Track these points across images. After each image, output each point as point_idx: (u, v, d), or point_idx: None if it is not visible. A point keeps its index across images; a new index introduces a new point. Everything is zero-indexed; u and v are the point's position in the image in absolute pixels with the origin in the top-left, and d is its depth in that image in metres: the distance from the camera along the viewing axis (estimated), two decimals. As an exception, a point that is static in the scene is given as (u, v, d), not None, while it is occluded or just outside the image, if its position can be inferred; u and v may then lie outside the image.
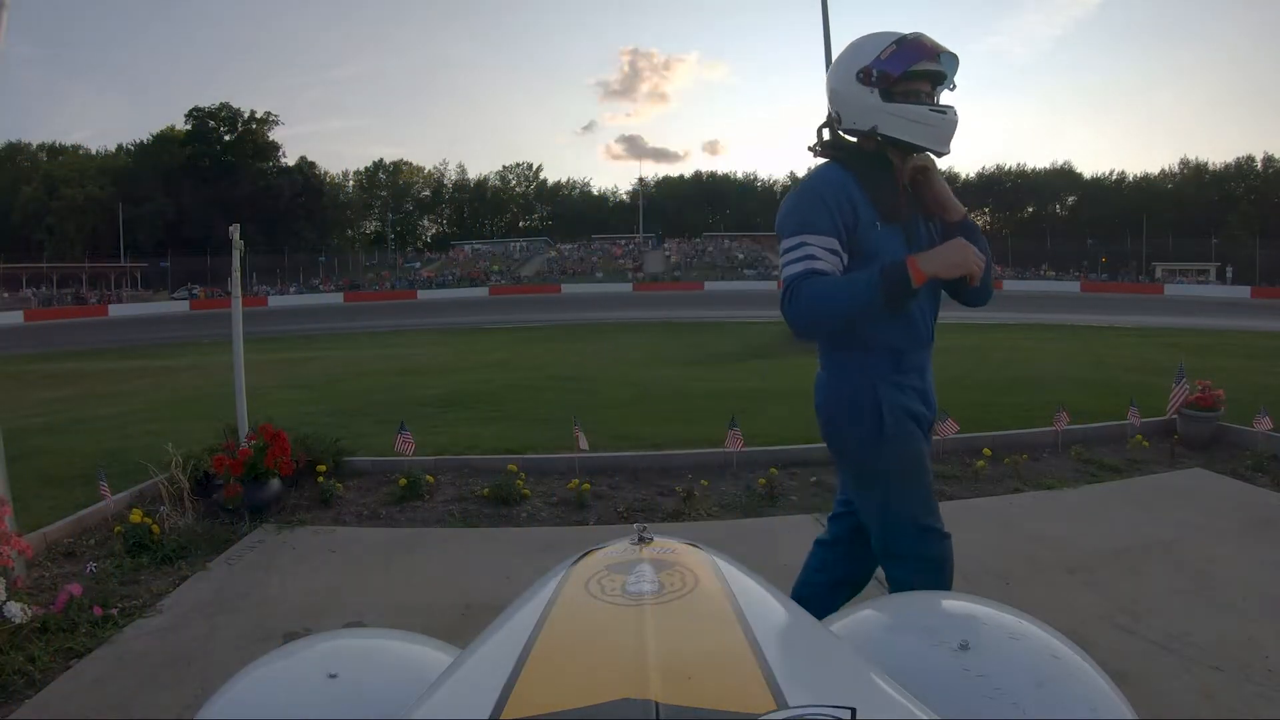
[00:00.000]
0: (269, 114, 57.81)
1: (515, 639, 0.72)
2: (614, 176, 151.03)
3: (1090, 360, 9.94)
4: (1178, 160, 58.35)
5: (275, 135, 58.59)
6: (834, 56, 1.79)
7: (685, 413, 6.37)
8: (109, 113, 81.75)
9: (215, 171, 53.50)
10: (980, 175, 60.58)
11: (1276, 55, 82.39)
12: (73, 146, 56.61)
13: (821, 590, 1.96)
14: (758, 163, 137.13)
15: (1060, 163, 61.04)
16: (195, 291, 44.38)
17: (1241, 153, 65.75)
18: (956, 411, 4.49)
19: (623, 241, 60.49)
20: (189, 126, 55.53)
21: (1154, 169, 59.82)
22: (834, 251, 1.64)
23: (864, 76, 1.68)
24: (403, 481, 4.08)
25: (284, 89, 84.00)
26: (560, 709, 0.56)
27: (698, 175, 71.40)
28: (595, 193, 71.69)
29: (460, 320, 23.36)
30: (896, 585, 1.78)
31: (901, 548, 1.77)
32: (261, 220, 48.42)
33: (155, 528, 3.34)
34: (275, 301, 40.78)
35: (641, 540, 0.96)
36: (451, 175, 69.28)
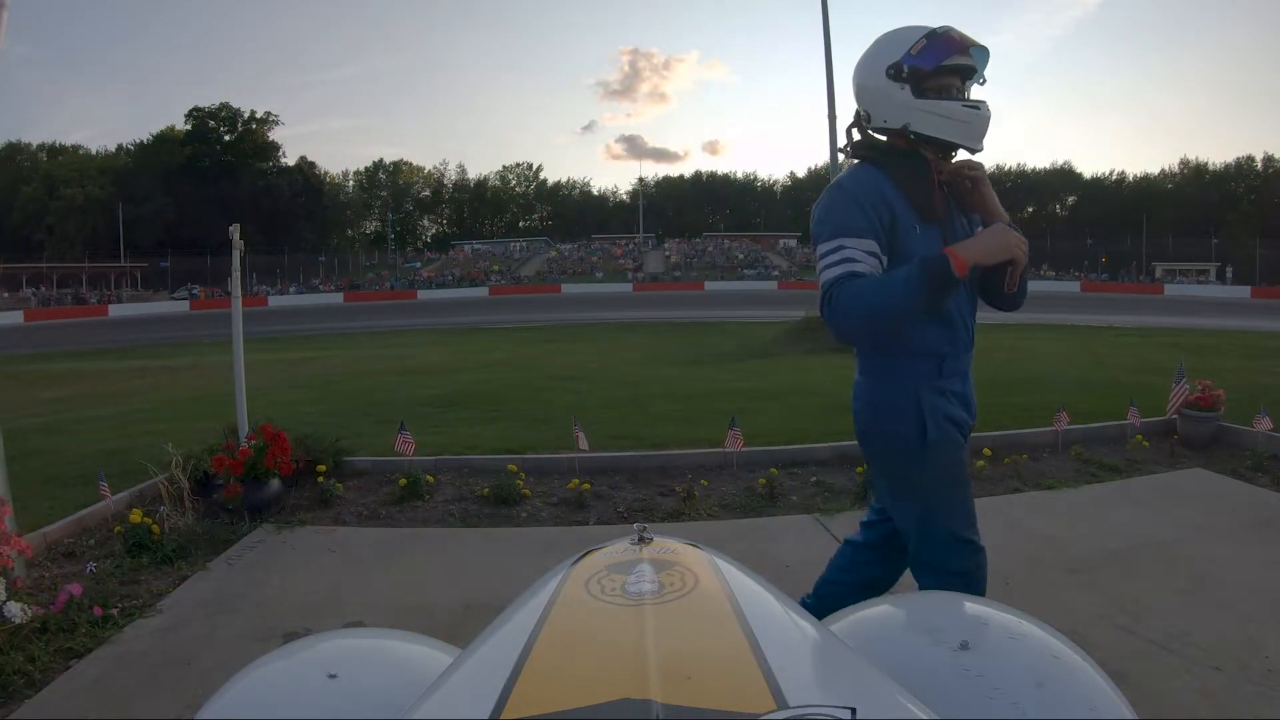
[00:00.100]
0: (269, 114, 58.12)
1: (515, 639, 0.72)
2: (614, 176, 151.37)
3: (1090, 360, 9.94)
4: (1178, 160, 58.69)
5: (275, 135, 58.92)
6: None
7: (685, 413, 6.36)
8: (109, 113, 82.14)
9: (215, 171, 53.60)
10: (980, 175, 60.62)
11: (1276, 55, 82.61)
12: (72, 146, 56.80)
13: (845, 589, 1.91)
14: (757, 163, 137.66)
15: (1060, 163, 61.49)
16: (195, 291, 44.44)
17: (1241, 153, 65.92)
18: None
19: (623, 241, 60.56)
20: (189, 126, 55.70)
21: (1154, 169, 60.20)
22: (873, 254, 1.57)
23: (894, 72, 1.62)
24: (403, 481, 4.08)
25: (284, 89, 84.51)
26: (560, 709, 0.56)
27: (697, 175, 71.71)
28: (595, 193, 71.94)
29: (460, 320, 23.36)
30: None
31: (936, 558, 1.72)
32: (261, 220, 48.54)
33: (155, 528, 3.33)
34: (275, 301, 40.82)
35: (641, 540, 0.96)
36: (451, 175, 69.53)
